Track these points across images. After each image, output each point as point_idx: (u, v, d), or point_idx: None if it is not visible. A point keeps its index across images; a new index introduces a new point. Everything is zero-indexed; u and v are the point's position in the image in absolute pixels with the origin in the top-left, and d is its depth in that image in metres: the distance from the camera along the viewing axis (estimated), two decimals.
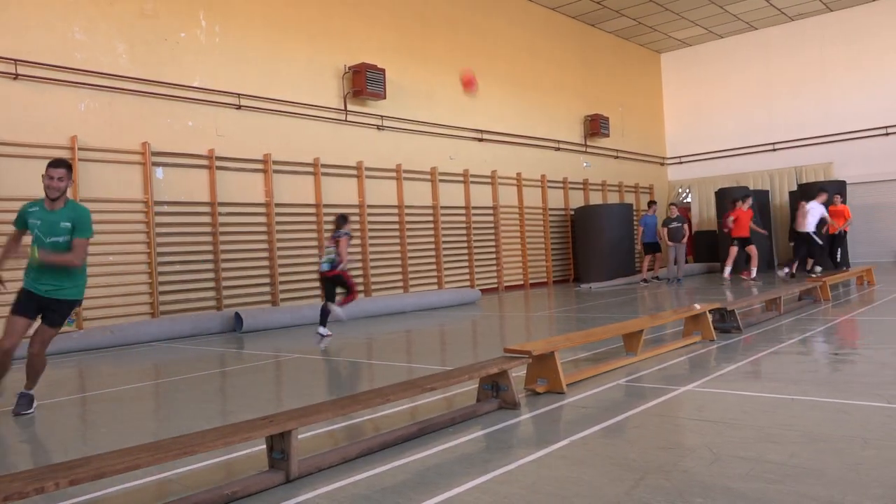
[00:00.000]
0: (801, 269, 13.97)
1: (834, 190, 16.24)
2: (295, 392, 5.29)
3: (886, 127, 18.52)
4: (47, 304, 4.72)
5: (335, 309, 8.59)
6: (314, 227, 11.91)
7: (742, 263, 14.83)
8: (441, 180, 14.32)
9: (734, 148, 21.19)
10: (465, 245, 14.82)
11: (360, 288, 12.54)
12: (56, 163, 4.57)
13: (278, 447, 3.04)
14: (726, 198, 17.92)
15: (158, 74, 10.10)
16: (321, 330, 8.57)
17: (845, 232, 15.27)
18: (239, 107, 11.02)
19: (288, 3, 11.85)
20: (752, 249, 14.19)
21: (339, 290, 8.73)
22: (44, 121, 8.95)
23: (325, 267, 8.49)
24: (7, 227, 8.56)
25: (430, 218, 14.08)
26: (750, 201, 14.56)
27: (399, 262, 13.33)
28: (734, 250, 14.29)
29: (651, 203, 16.62)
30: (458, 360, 6.15)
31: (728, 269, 14.37)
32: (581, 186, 18.55)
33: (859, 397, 4.01)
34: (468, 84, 8.29)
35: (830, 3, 18.71)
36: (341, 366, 6.41)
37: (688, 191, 22.45)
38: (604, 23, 19.20)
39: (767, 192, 19.63)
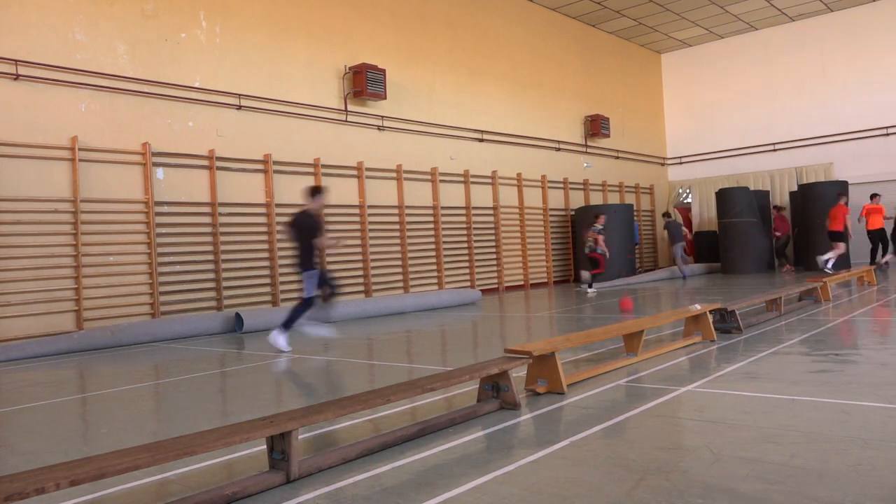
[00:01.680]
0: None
1: (836, 190, 16.48)
2: (295, 392, 5.28)
3: (887, 127, 18.53)
4: None
5: (587, 288, 13.78)
6: None
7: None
8: (441, 181, 14.33)
9: (735, 148, 21.19)
10: (466, 245, 14.82)
11: (362, 288, 12.57)
12: None
13: (278, 447, 3.03)
14: (725, 198, 17.96)
15: (159, 75, 10.11)
16: (589, 290, 13.58)
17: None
18: (239, 107, 11.02)
19: (289, 3, 11.86)
20: (842, 246, 15.14)
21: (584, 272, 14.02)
22: (44, 121, 8.96)
23: (587, 250, 13.81)
24: (8, 227, 8.61)
25: (431, 218, 14.08)
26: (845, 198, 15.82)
27: (399, 263, 13.33)
28: (840, 245, 15.23)
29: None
30: (459, 360, 6.15)
31: (831, 262, 15.37)
32: (581, 187, 18.55)
33: (860, 397, 4.00)
34: (626, 307, 9.67)
35: (831, 3, 18.71)
36: (341, 366, 6.41)
37: (688, 191, 22.44)
38: (604, 23, 19.21)
39: (768, 192, 19.62)
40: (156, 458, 2.63)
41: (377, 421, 4.06)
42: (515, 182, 16.29)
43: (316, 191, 7.55)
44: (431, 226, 14.07)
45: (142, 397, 5.32)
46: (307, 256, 7.40)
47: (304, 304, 7.48)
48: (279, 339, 7.41)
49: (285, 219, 11.50)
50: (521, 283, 16.28)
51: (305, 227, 7.36)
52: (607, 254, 13.86)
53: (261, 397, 5.05)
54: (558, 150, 17.80)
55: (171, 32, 10.32)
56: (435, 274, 14.04)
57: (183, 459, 2.98)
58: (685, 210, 22.01)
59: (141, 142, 9.84)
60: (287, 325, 7.45)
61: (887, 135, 18.56)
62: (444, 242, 14.25)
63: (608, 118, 19.20)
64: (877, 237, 15.54)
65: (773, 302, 8.31)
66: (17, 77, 8.75)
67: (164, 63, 10.20)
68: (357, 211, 12.63)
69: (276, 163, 11.39)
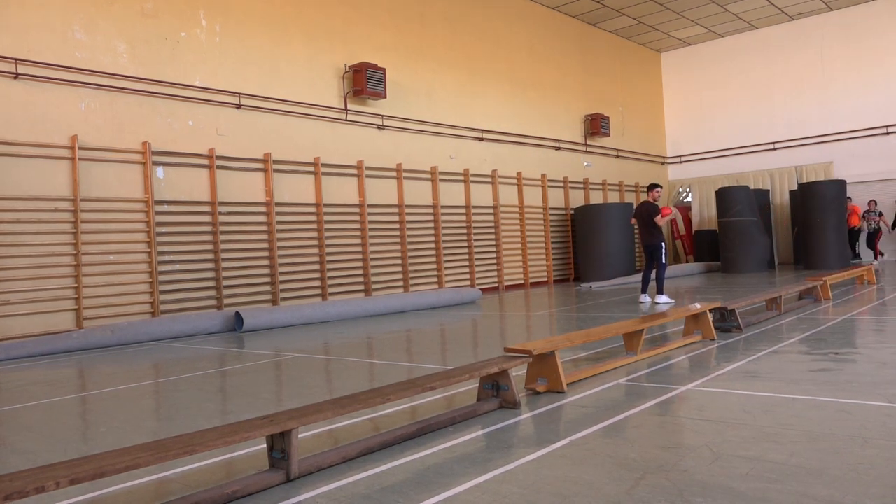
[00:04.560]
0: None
1: (834, 190, 16.54)
2: (295, 392, 5.28)
3: (886, 126, 18.53)
4: None
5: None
6: (314, 226, 11.92)
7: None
8: (441, 180, 14.33)
9: (734, 147, 21.19)
10: (466, 244, 14.82)
11: (362, 287, 12.57)
12: None
13: (278, 446, 3.03)
14: (725, 197, 17.98)
15: (159, 74, 10.10)
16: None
17: (858, 228, 18.46)
18: (239, 106, 11.02)
19: (288, 3, 11.85)
20: None
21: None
22: (44, 120, 8.95)
23: (870, 229, 17.64)
24: (8, 226, 8.60)
25: (431, 217, 14.08)
26: None
27: (399, 262, 13.33)
28: None
29: None
30: (459, 359, 6.15)
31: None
32: (581, 186, 18.55)
33: (860, 396, 4.00)
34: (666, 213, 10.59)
35: (830, 2, 18.70)
36: (341, 365, 6.41)
37: (688, 190, 22.44)
38: (604, 22, 19.20)
39: (768, 191, 19.63)
40: (156, 456, 2.63)
41: (377, 420, 4.06)
42: (515, 181, 16.29)
43: (654, 186, 10.42)
44: (431, 225, 14.07)
45: (141, 396, 5.32)
46: (656, 233, 10.15)
47: (662, 269, 10.10)
48: (661, 299, 9.88)
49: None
50: (521, 282, 16.28)
51: (649, 212, 10.09)
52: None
53: (260, 396, 5.05)
54: (558, 148, 17.80)
55: (171, 31, 10.32)
56: (435, 273, 14.04)
57: (183, 458, 2.98)
58: (685, 209, 22.00)
59: (141, 141, 9.84)
60: (661, 290, 10.07)
61: (887, 133, 18.57)
62: (443, 241, 14.25)
63: (608, 117, 19.20)
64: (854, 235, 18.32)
65: (772, 301, 8.31)
66: (16, 76, 8.75)
67: (164, 62, 10.20)
68: (357, 210, 12.62)
69: (275, 162, 11.39)
